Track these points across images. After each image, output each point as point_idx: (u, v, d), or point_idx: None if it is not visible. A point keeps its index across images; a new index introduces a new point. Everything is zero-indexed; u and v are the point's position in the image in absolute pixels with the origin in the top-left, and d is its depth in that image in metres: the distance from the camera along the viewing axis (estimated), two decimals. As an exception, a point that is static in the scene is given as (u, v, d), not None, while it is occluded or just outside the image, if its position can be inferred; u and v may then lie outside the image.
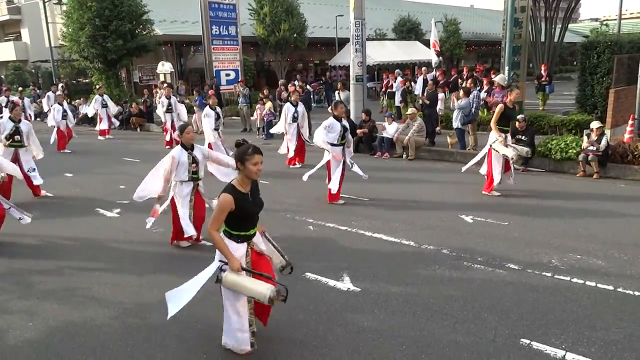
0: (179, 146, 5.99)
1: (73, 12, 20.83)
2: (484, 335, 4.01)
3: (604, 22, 47.81)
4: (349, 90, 13.62)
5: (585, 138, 9.71)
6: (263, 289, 3.44)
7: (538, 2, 35.69)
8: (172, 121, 13.60)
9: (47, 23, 26.23)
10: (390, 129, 11.90)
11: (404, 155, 11.66)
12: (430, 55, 19.30)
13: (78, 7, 20.55)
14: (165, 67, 23.09)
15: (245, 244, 3.72)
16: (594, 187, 8.70)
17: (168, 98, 13.78)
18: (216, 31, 21.37)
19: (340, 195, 8.04)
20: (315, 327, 4.23)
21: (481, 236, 6.31)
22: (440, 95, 14.07)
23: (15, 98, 17.97)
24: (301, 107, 11.07)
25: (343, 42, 26.53)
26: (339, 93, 13.91)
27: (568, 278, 5.03)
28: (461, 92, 11.30)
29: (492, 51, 41.62)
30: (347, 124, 7.87)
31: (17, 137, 8.51)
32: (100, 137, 16.51)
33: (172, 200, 6.15)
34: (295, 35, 26.40)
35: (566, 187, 8.77)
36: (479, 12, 51.66)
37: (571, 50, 41.50)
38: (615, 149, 9.63)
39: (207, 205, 6.25)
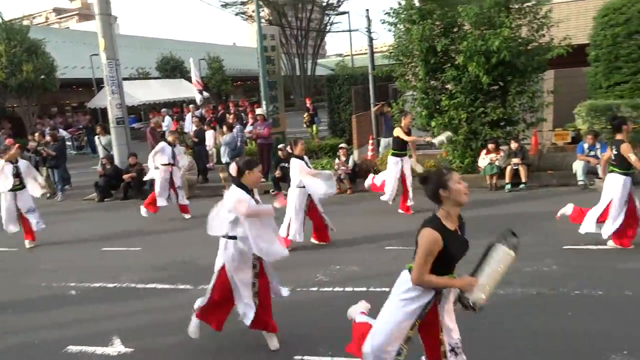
0: None
1: None
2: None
3: (344, 57, 55.43)
4: (109, 134, 12.76)
5: (336, 159, 11.05)
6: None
7: (289, 40, 39.67)
8: None
9: None
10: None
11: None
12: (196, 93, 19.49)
13: None
14: None
15: (431, 295, 2.95)
16: (347, 200, 9.94)
17: None
18: None
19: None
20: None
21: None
22: (210, 132, 14.30)
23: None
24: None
25: (102, 82, 24.83)
26: (99, 138, 12.90)
27: (331, 288, 5.58)
28: (224, 128, 11.68)
29: (257, 86, 44.28)
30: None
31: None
32: None
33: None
34: (42, 77, 23.59)
35: (324, 203, 9.79)
36: (240, 49, 54.60)
37: (322, 82, 47.13)
38: (361, 166, 11.21)
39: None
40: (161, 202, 9.17)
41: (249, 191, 4.20)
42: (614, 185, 5.94)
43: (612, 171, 6.01)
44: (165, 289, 5.99)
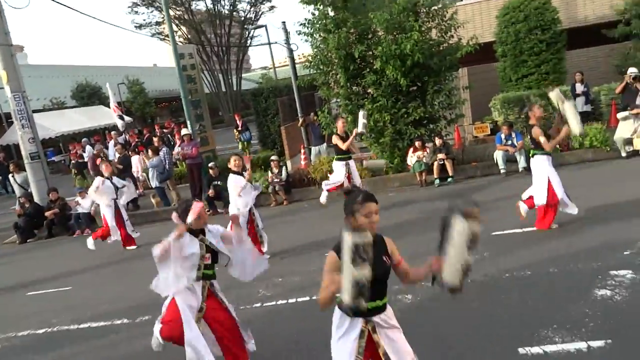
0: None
1: None
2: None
3: (268, 70, 55.60)
4: (25, 171, 11.97)
5: (269, 172, 11.01)
6: None
7: (211, 57, 39.19)
8: None
9: None
10: (85, 203, 10.90)
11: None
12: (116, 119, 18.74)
13: None
14: None
15: (360, 322, 2.77)
16: (285, 212, 9.93)
17: None
18: None
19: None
20: None
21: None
22: (136, 157, 13.78)
23: None
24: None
25: (10, 116, 23.27)
26: (13, 176, 12.06)
27: (274, 302, 5.53)
28: (150, 152, 11.31)
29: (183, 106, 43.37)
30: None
31: None
32: None
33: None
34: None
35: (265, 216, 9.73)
36: (162, 70, 53.24)
37: (249, 96, 46.91)
38: (295, 175, 11.24)
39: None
40: (115, 235, 8.66)
41: (198, 233, 3.90)
42: (541, 165, 6.30)
43: (534, 155, 6.41)
44: (101, 327, 5.66)
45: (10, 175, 12.83)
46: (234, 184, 6.85)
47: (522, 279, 5.13)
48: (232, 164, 6.96)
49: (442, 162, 10.06)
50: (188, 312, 3.79)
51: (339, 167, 8.78)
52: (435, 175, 10.13)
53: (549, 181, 6.23)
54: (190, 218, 3.77)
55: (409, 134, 10.39)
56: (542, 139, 6.13)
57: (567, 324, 4.08)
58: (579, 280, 4.87)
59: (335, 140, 8.70)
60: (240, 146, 18.72)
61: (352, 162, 8.85)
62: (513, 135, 10.05)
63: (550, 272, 5.17)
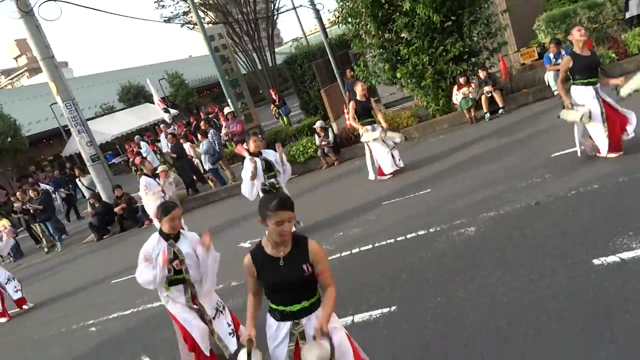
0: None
1: None
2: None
3: (300, 39, 55.06)
4: (89, 174, 12.67)
5: (316, 136, 11.02)
6: None
7: (242, 38, 39.27)
8: None
9: None
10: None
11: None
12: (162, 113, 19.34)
13: None
14: None
15: (287, 325, 2.69)
16: (336, 172, 9.97)
17: None
18: None
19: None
20: None
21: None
22: (187, 145, 14.20)
23: None
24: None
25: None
26: (79, 179, 12.81)
27: (338, 255, 5.59)
28: (200, 136, 11.61)
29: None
30: (268, 156, 6.54)
31: None
32: None
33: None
34: (9, 140, 23.37)
35: (314, 179, 9.82)
36: (197, 59, 53.97)
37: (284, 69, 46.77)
38: (342, 135, 11.19)
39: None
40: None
41: (168, 237, 3.79)
42: (582, 97, 5.53)
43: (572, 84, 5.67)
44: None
45: (77, 180, 13.62)
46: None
47: (589, 193, 4.90)
48: (252, 145, 6.54)
49: (490, 94, 9.66)
50: (187, 317, 3.85)
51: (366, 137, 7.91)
52: (484, 110, 9.76)
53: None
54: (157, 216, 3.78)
55: (450, 71, 10.00)
56: (561, 75, 5.58)
57: (643, 230, 3.86)
58: (652, 185, 4.58)
59: (350, 109, 8.02)
60: (280, 122, 18.41)
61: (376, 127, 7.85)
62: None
63: (619, 182, 4.90)
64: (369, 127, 7.82)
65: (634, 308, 3.05)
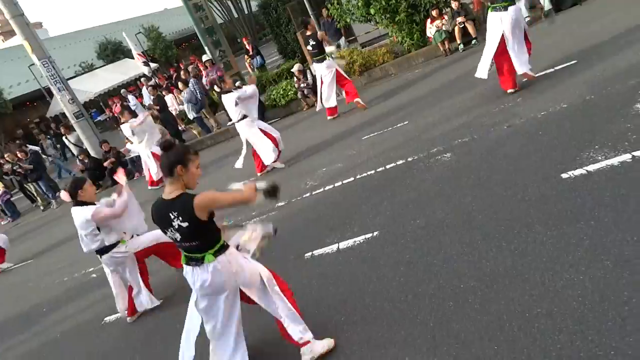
0: None
1: None
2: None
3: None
4: (75, 131, 12.82)
5: (295, 79, 11.14)
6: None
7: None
8: None
9: None
10: (134, 148, 11.63)
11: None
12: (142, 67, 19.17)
13: None
14: None
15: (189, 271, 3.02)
16: (316, 112, 10.17)
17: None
18: None
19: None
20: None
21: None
22: (169, 96, 14.27)
23: None
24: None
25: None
26: (66, 137, 12.96)
27: (322, 189, 5.92)
28: (180, 86, 11.70)
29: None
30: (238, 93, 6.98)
31: None
32: None
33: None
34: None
35: (296, 121, 10.05)
36: (173, 11, 52.28)
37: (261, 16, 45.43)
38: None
39: None
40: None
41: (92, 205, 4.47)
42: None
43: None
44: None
45: (63, 138, 13.74)
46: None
47: (558, 113, 5.07)
48: (227, 83, 7.10)
49: (463, 25, 9.77)
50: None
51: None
52: (457, 41, 9.90)
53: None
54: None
55: (424, 5, 10.04)
56: None
57: (608, 142, 4.05)
58: (617, 100, 4.76)
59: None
60: (252, 74, 17.63)
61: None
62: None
63: (586, 100, 5.07)
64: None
65: (598, 215, 3.26)
